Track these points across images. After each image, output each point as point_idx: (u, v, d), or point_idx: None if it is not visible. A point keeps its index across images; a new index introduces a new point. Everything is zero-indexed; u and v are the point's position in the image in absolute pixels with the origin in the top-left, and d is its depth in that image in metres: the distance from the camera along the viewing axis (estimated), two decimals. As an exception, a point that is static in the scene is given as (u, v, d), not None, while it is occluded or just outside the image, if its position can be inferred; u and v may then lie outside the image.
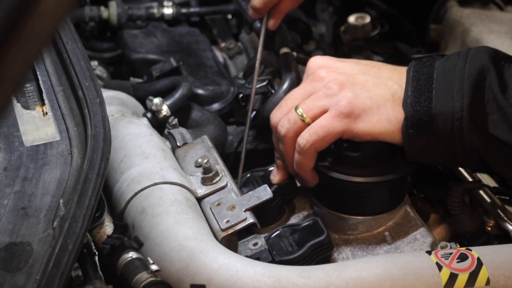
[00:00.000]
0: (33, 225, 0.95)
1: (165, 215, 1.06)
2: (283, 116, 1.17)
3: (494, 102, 1.06)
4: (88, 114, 1.06)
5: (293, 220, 1.23)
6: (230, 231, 1.08)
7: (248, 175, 1.25)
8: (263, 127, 1.26)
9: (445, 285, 0.99)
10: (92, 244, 0.99)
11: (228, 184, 1.15)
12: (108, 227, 1.03)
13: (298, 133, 1.14)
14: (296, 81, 1.30)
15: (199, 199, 1.14)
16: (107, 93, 1.27)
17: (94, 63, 1.51)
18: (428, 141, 1.09)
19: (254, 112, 1.30)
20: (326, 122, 1.11)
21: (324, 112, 1.12)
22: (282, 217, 1.23)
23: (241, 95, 1.36)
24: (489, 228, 1.20)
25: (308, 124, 1.13)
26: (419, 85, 1.10)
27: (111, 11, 1.56)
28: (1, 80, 0.62)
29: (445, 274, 0.99)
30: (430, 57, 1.14)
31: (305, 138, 1.12)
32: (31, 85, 1.18)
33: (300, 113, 1.13)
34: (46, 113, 1.13)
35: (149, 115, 1.29)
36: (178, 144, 1.24)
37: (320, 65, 1.18)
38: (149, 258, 0.96)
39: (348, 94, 1.11)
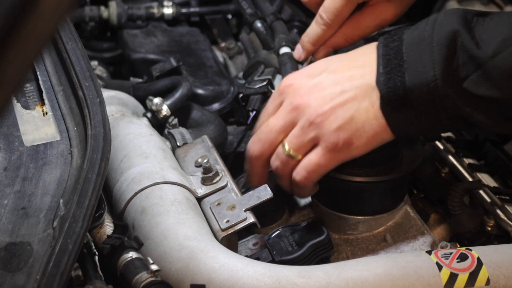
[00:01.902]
0: (33, 225, 0.95)
1: (165, 215, 1.06)
2: (264, 150, 1.14)
3: (470, 61, 1.03)
4: (88, 114, 1.05)
5: (293, 220, 1.23)
6: (230, 231, 1.08)
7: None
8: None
9: (445, 285, 0.99)
10: (92, 244, 0.99)
11: (228, 184, 1.15)
12: (108, 227, 1.03)
13: (292, 169, 1.12)
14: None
15: (199, 199, 1.14)
16: (107, 93, 1.27)
17: (94, 63, 1.51)
18: (409, 114, 1.07)
19: (254, 112, 1.30)
20: (320, 159, 1.10)
21: (313, 145, 1.10)
22: (282, 217, 1.23)
23: (241, 95, 1.36)
24: (489, 228, 1.20)
25: (299, 160, 1.11)
26: (389, 61, 1.08)
27: (111, 11, 1.56)
28: (1, 80, 0.62)
29: (445, 274, 0.99)
30: (398, 29, 1.11)
31: (303, 175, 1.11)
32: (31, 85, 1.18)
33: (288, 152, 1.11)
34: (46, 113, 1.13)
35: (149, 115, 1.29)
36: (178, 144, 1.24)
37: (294, 89, 1.13)
38: (149, 258, 0.96)
39: (333, 126, 1.08)
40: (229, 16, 1.64)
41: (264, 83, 1.33)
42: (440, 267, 1.00)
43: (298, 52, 1.31)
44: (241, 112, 1.38)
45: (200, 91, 1.38)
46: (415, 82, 1.05)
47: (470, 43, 1.03)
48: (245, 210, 1.10)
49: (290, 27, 1.48)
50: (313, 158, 1.10)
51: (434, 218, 1.25)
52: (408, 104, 1.06)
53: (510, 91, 1.02)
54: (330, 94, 1.09)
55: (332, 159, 1.10)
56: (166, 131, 1.28)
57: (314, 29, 1.26)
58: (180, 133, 1.26)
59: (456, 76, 1.04)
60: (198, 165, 1.19)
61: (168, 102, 1.28)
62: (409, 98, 1.06)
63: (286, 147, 1.11)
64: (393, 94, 1.06)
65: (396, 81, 1.06)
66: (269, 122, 1.14)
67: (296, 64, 1.34)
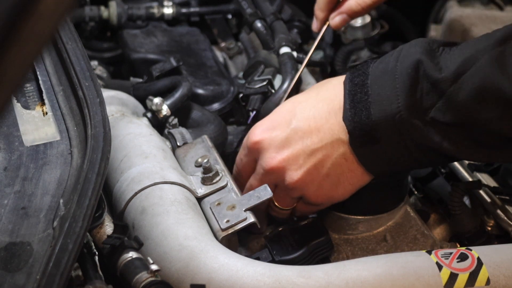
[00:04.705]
0: (33, 225, 0.95)
1: (165, 214, 1.06)
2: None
3: (434, 89, 1.02)
4: (88, 114, 1.06)
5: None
6: (230, 231, 1.08)
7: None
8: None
9: (445, 285, 0.99)
10: (92, 244, 0.99)
11: (228, 184, 1.15)
12: (108, 227, 1.03)
13: (289, 213, 1.18)
14: (296, 81, 1.30)
15: (199, 199, 1.14)
16: (107, 93, 1.27)
17: (94, 63, 1.51)
18: (378, 150, 1.06)
19: (254, 112, 1.30)
20: (310, 209, 1.17)
21: (300, 197, 1.15)
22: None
23: (241, 95, 1.36)
24: (489, 228, 1.20)
25: (294, 206, 1.17)
26: (355, 96, 1.07)
27: (111, 11, 1.56)
28: (1, 80, 0.62)
29: (445, 274, 0.99)
30: (364, 63, 1.10)
31: (300, 215, 1.19)
32: (31, 85, 1.18)
33: (280, 208, 1.17)
34: (46, 113, 1.13)
35: (149, 115, 1.29)
36: (178, 144, 1.24)
37: (264, 148, 1.13)
38: (149, 258, 0.96)
39: (311, 188, 1.12)
40: (229, 16, 1.64)
41: (264, 83, 1.33)
42: (440, 267, 1.00)
43: (314, 24, 1.32)
44: (241, 112, 1.38)
45: (200, 91, 1.38)
46: (380, 115, 1.04)
47: (433, 70, 1.02)
48: (245, 210, 1.10)
49: (290, 27, 1.48)
50: (304, 208, 1.16)
51: (434, 218, 1.25)
52: (375, 138, 1.05)
53: (476, 113, 1.00)
54: (302, 154, 1.10)
55: (320, 207, 1.16)
56: (166, 131, 1.28)
57: None
58: (180, 133, 1.26)
59: (421, 105, 1.02)
60: (198, 165, 1.19)
61: (168, 102, 1.28)
62: (376, 131, 1.05)
63: (277, 204, 1.16)
64: (360, 129, 1.06)
65: (362, 116, 1.06)
66: (251, 184, 1.16)
67: (296, 64, 1.34)
